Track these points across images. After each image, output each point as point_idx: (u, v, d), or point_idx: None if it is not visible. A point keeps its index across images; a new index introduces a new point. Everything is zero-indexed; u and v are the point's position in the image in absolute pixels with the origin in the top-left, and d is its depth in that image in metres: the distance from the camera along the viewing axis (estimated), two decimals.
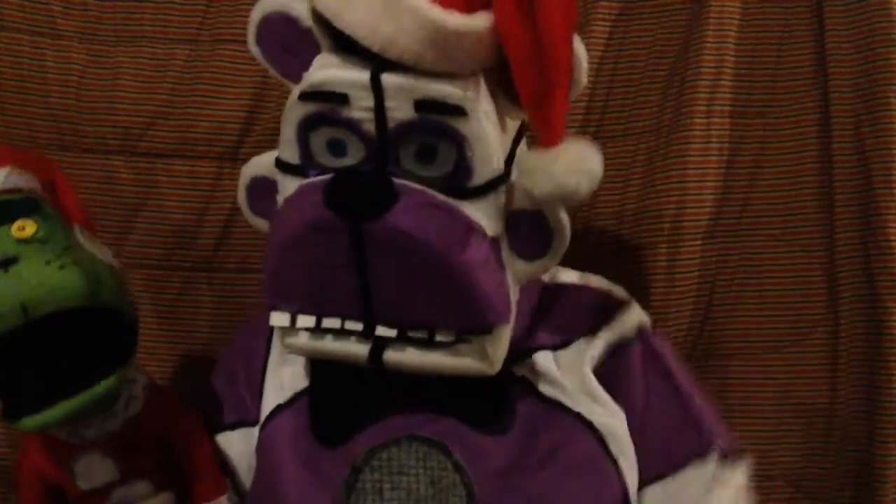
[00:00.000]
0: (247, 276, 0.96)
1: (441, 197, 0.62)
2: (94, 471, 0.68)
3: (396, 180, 0.62)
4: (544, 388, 0.71)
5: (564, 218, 0.64)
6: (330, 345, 0.67)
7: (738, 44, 0.91)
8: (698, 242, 0.91)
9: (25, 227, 0.63)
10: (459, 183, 0.63)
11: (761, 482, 0.91)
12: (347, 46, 0.61)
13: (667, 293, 0.91)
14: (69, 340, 0.63)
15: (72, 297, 0.61)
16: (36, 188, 0.69)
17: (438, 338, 0.64)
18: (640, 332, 0.75)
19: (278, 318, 0.67)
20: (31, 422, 0.63)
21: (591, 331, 0.74)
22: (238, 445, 0.76)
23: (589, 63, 0.91)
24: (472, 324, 0.64)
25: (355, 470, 0.67)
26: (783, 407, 0.91)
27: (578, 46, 0.64)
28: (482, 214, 0.63)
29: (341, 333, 0.66)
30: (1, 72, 0.95)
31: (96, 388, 0.64)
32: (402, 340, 0.65)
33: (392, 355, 0.65)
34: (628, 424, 0.71)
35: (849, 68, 0.88)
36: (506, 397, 0.70)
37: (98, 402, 0.65)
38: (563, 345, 0.73)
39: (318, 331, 0.67)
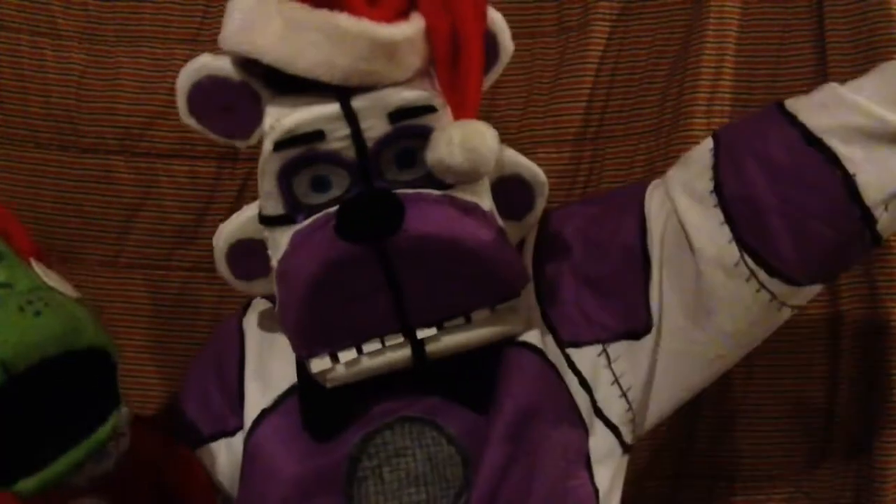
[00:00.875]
0: None
1: (436, 192, 0.65)
2: None
3: (396, 191, 0.64)
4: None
5: (539, 173, 0.73)
6: (371, 363, 0.67)
7: (738, 44, 0.91)
8: None
9: None
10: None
11: (761, 482, 0.91)
12: (298, 86, 0.63)
13: None
14: (56, 390, 0.59)
15: (53, 346, 0.57)
16: None
17: (475, 317, 0.66)
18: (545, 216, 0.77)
19: (319, 364, 0.67)
20: (27, 485, 0.57)
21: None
22: (220, 456, 0.75)
23: (589, 63, 0.93)
24: (505, 294, 0.67)
25: (353, 459, 0.68)
26: (783, 407, 0.91)
27: (495, 15, 0.68)
28: (472, 194, 0.67)
29: (383, 350, 0.66)
30: (1, 72, 0.95)
31: (98, 434, 0.59)
32: (442, 331, 0.66)
33: (434, 347, 0.66)
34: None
35: (849, 68, 0.88)
36: (488, 372, 0.69)
37: (99, 450, 0.61)
38: None
39: (358, 358, 0.67)
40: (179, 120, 0.93)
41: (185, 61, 0.94)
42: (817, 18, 0.90)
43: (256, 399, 0.73)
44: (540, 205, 0.75)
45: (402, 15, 0.64)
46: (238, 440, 0.74)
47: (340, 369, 0.67)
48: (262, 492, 0.70)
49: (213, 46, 0.95)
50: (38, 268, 0.65)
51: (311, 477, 0.68)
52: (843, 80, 0.87)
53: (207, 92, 0.67)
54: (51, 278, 0.64)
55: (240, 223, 0.72)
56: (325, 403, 0.70)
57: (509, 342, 0.70)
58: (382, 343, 0.66)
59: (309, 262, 0.63)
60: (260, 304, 0.81)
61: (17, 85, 0.95)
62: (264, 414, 0.72)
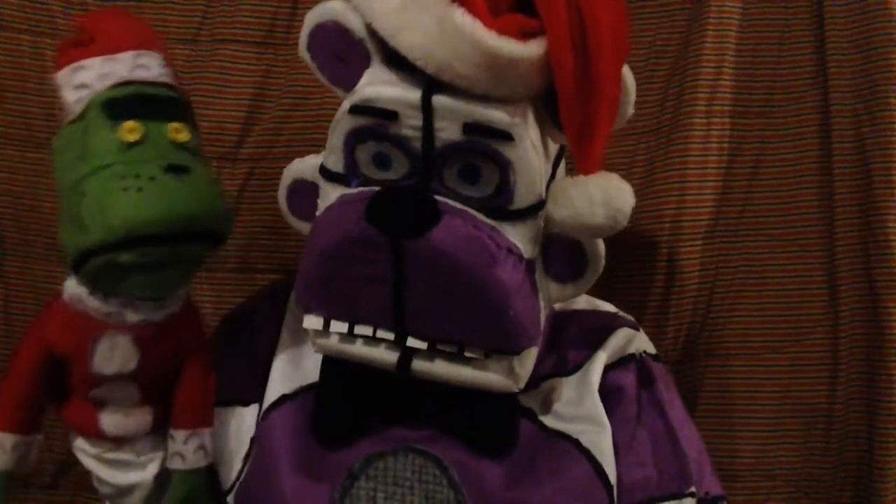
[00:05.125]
0: (247, 275, 0.96)
1: (482, 218, 0.63)
2: (114, 354, 0.66)
3: (440, 199, 0.63)
4: (547, 420, 0.71)
5: (600, 246, 0.66)
6: (360, 349, 0.67)
7: (738, 44, 0.91)
8: (698, 242, 0.91)
9: (180, 131, 0.65)
10: (500, 205, 0.63)
11: (761, 482, 0.91)
12: (401, 62, 0.62)
13: (667, 293, 0.91)
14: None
15: (218, 225, 0.65)
16: (180, 88, 0.69)
17: (467, 353, 0.65)
18: (641, 357, 0.75)
19: (312, 321, 0.68)
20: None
21: (596, 349, 0.74)
22: (229, 423, 0.75)
23: None
24: (503, 345, 0.65)
25: (352, 476, 0.67)
26: (783, 407, 0.91)
27: (627, 76, 0.64)
28: (520, 237, 0.64)
29: (372, 340, 0.66)
30: (1, 72, 0.95)
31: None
32: (432, 352, 0.65)
33: (420, 365, 0.66)
34: (614, 446, 0.71)
35: (849, 68, 0.88)
36: (509, 427, 0.70)
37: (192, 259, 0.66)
38: (573, 370, 0.73)
39: (349, 335, 0.67)
40: None
41: (186, 61, 0.96)
42: (817, 18, 0.90)
43: (281, 381, 0.73)
44: (590, 278, 0.68)
45: (525, 35, 0.60)
46: (251, 412, 0.74)
47: (332, 339, 0.67)
48: (264, 476, 0.70)
49: (213, 46, 0.96)
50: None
51: (307, 479, 0.68)
52: (842, 80, 0.88)
53: (328, 35, 0.65)
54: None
55: (307, 165, 0.71)
56: (339, 412, 0.70)
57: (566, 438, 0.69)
58: (374, 332, 0.66)
59: (333, 230, 0.63)
60: None
61: (17, 85, 0.95)
62: (283, 399, 0.72)
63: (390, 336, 0.66)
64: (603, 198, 0.60)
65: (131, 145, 0.63)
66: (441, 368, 0.66)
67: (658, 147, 0.92)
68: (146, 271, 0.63)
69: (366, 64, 0.65)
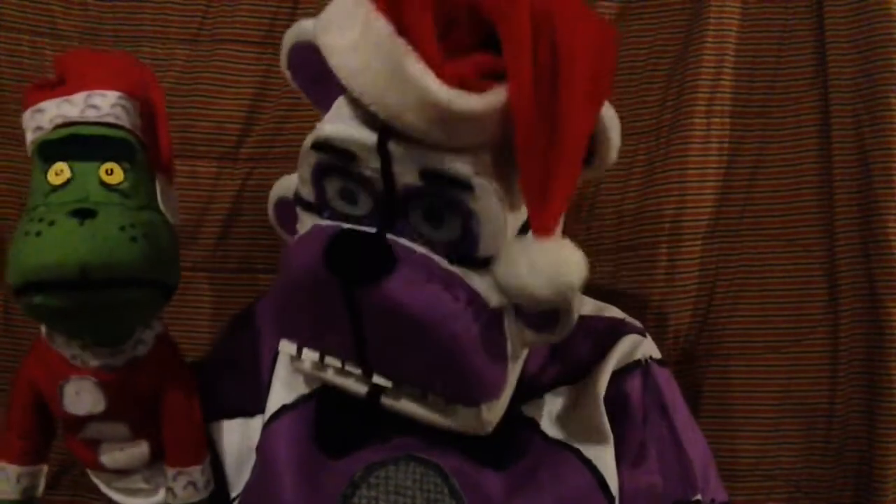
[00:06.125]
0: (247, 275, 0.96)
1: (444, 265, 0.60)
2: (82, 397, 0.66)
3: (402, 242, 0.60)
4: (549, 430, 0.70)
5: (572, 303, 0.60)
6: (332, 377, 0.67)
7: (738, 44, 0.91)
8: (698, 242, 0.91)
9: (114, 172, 0.64)
10: (465, 252, 0.60)
11: (761, 482, 0.91)
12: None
13: (667, 293, 0.91)
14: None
15: (131, 272, 0.62)
16: (136, 125, 0.68)
17: (431, 398, 0.64)
18: (646, 362, 0.74)
19: (286, 347, 0.68)
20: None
21: (602, 356, 0.73)
22: (233, 435, 0.75)
23: None
24: (462, 397, 0.63)
25: (353, 484, 0.67)
26: (783, 407, 0.91)
27: (610, 118, 0.58)
28: (486, 286, 0.60)
29: (342, 371, 0.66)
30: (1, 72, 0.95)
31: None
32: (398, 390, 0.65)
33: (388, 401, 0.65)
34: (616, 453, 0.70)
35: (849, 68, 0.88)
36: (511, 437, 0.69)
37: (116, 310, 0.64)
38: (579, 378, 0.72)
39: (321, 363, 0.67)
40: (179, 120, 0.95)
41: (186, 61, 0.96)
42: (817, 18, 0.90)
43: (282, 391, 0.73)
44: (562, 331, 0.62)
45: (487, 77, 0.55)
46: (256, 423, 0.74)
47: (305, 365, 0.67)
48: (264, 486, 0.70)
49: (213, 46, 0.96)
50: (161, 186, 0.69)
51: (307, 489, 0.68)
52: (842, 80, 0.88)
53: (304, 55, 0.64)
54: (166, 197, 0.69)
55: (291, 183, 0.69)
56: (340, 421, 0.70)
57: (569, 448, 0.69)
58: (343, 365, 0.65)
59: (297, 262, 0.62)
60: None
61: (17, 85, 0.95)
62: (284, 409, 0.72)
63: (357, 371, 0.65)
64: (548, 268, 0.55)
65: (56, 188, 0.63)
66: (408, 407, 0.65)
67: (658, 147, 0.92)
68: (73, 316, 0.62)
69: (340, 90, 0.62)
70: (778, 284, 0.91)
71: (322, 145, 0.61)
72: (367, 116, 0.58)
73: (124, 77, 0.69)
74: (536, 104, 0.54)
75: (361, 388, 0.66)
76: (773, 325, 0.91)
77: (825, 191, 0.90)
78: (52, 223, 0.60)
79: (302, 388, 0.73)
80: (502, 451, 0.69)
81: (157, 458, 0.71)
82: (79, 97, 0.67)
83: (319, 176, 0.63)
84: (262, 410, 0.74)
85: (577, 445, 0.69)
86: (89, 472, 0.72)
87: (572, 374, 0.73)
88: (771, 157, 0.91)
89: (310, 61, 0.62)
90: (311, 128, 0.94)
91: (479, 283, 0.60)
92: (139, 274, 0.63)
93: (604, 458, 0.69)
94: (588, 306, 0.77)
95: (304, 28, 0.64)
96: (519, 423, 0.70)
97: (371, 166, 0.59)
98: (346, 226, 0.62)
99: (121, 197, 0.64)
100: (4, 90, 0.95)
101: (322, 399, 0.71)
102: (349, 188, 0.62)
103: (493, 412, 0.65)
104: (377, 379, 0.64)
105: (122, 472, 0.71)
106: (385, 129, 0.58)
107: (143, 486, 0.72)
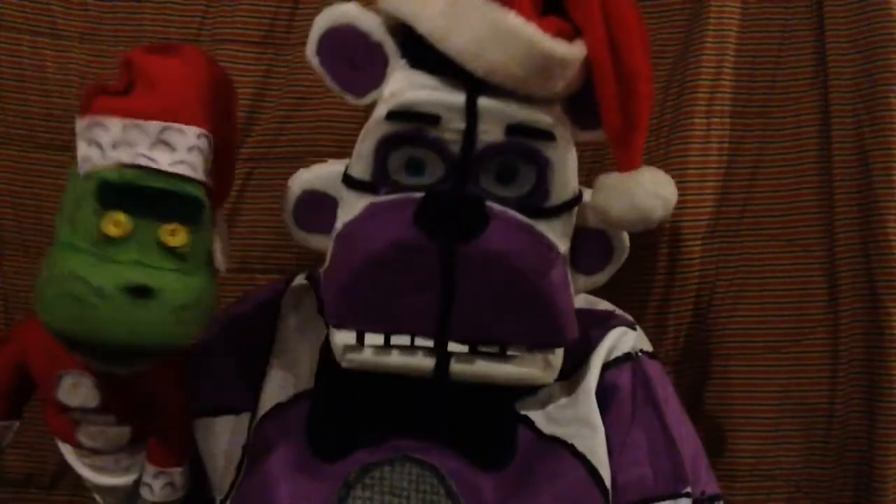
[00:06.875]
0: (247, 276, 0.96)
1: (524, 218, 0.64)
2: (77, 391, 0.66)
3: (486, 202, 0.63)
4: (543, 426, 0.70)
5: (626, 238, 0.71)
6: (396, 359, 0.65)
7: (738, 44, 0.91)
8: (698, 242, 0.91)
9: (176, 234, 0.59)
10: (536, 203, 0.65)
11: (761, 482, 0.91)
12: (434, 65, 0.62)
13: (667, 293, 0.91)
14: None
15: (166, 350, 0.60)
16: (208, 169, 0.61)
17: (510, 352, 0.65)
18: (637, 355, 0.75)
19: (344, 337, 0.65)
20: None
21: (592, 350, 0.74)
22: (222, 434, 0.75)
23: None
24: (550, 341, 0.66)
25: (348, 485, 0.66)
26: (783, 407, 0.91)
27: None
28: (555, 234, 0.66)
29: (409, 349, 0.65)
30: (1, 72, 0.95)
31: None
32: (472, 354, 0.65)
33: (459, 367, 0.65)
34: (607, 445, 0.71)
35: (849, 68, 0.88)
36: (506, 436, 0.69)
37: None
38: (570, 372, 0.72)
39: (385, 347, 0.65)
40: None
41: None
42: (817, 18, 0.90)
43: (275, 390, 0.73)
44: (611, 269, 0.73)
45: (565, 36, 0.62)
46: (242, 421, 0.74)
47: (366, 353, 0.65)
48: (258, 487, 0.70)
49: (213, 46, 0.96)
50: (218, 224, 0.65)
51: (301, 490, 0.68)
52: (842, 80, 0.88)
53: (342, 39, 0.65)
54: (222, 238, 0.65)
55: (320, 174, 0.69)
56: (334, 423, 0.70)
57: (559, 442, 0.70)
58: (412, 341, 0.64)
59: (378, 236, 0.62)
60: (299, 285, 0.79)
61: (17, 85, 0.95)
62: (278, 408, 0.72)
63: (429, 343, 0.64)
64: (657, 189, 0.64)
65: (111, 239, 0.57)
66: (480, 368, 0.65)
67: (658, 147, 0.92)
68: (88, 357, 0.61)
69: (382, 68, 0.64)
70: (778, 284, 0.91)
71: (402, 112, 0.62)
72: (447, 80, 0.62)
73: (204, 102, 0.62)
74: (611, 52, 0.62)
75: (429, 362, 0.65)
76: (773, 325, 0.91)
77: (825, 191, 0.90)
78: (106, 297, 0.55)
79: (296, 388, 0.72)
80: (498, 451, 0.69)
81: (135, 441, 0.70)
82: (152, 127, 0.59)
83: (385, 149, 0.64)
84: (248, 409, 0.74)
85: (570, 441, 0.70)
86: (58, 442, 0.71)
87: (567, 366, 0.73)
88: (771, 157, 0.91)
89: (346, 44, 0.64)
90: (312, 128, 0.95)
91: (548, 231, 0.65)
92: (172, 349, 0.61)
93: (597, 452, 0.69)
94: (579, 301, 0.77)
95: (342, 10, 0.64)
96: (513, 421, 0.70)
97: (453, 127, 0.62)
98: (428, 191, 0.64)
99: (178, 262, 0.59)
100: (4, 90, 0.95)
101: (317, 399, 0.71)
102: (417, 157, 0.64)
103: (558, 357, 0.68)
104: (452, 346, 0.64)
105: (95, 451, 0.70)
106: (474, 89, 0.61)
107: (112, 465, 0.71)
